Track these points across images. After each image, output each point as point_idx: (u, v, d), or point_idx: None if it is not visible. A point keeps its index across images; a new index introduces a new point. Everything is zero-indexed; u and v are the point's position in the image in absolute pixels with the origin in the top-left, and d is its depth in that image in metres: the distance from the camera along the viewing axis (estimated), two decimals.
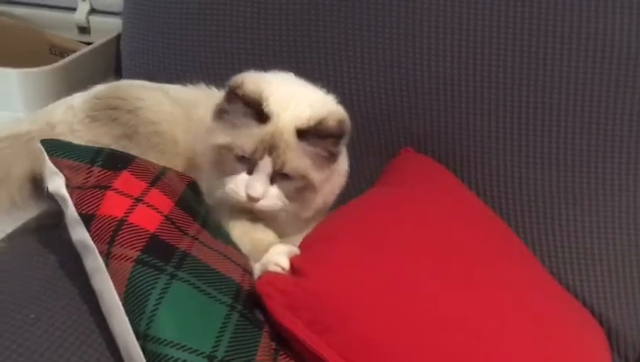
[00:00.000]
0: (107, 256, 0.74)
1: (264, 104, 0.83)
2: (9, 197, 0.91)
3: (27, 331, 0.74)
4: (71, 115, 0.95)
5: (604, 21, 1.04)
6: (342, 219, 0.90)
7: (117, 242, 0.74)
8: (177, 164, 0.94)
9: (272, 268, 0.81)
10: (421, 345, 0.78)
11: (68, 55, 1.29)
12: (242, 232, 0.89)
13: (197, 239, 0.81)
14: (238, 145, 0.84)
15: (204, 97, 0.99)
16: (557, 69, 1.06)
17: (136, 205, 0.78)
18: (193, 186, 0.91)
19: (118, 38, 1.28)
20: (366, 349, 0.77)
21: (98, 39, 1.33)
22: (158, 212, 0.80)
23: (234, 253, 0.85)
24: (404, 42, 1.09)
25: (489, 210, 1.08)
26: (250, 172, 0.84)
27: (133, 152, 0.89)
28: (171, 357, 0.68)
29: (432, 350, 0.78)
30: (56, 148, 0.83)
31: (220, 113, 0.86)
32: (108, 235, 0.75)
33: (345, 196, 0.97)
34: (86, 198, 0.78)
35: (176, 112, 0.97)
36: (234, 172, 0.85)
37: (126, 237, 0.75)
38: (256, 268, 0.83)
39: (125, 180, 0.81)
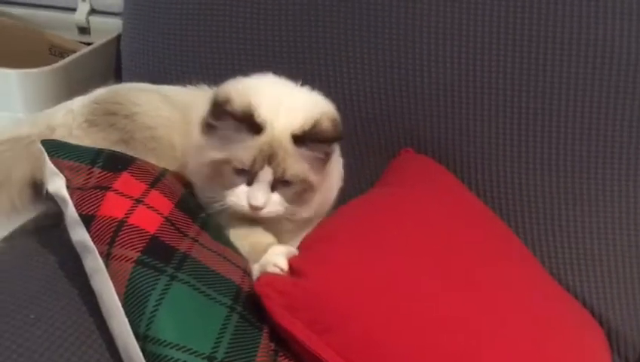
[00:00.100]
0: (107, 257, 0.74)
1: (255, 114, 0.82)
2: (9, 201, 0.91)
3: (27, 331, 0.74)
4: (70, 119, 0.95)
5: (603, 27, 1.04)
6: (342, 220, 0.90)
7: (117, 243, 0.74)
8: (175, 168, 0.93)
9: (271, 268, 0.81)
10: (421, 345, 0.78)
11: (68, 55, 1.28)
12: (241, 234, 0.88)
13: (197, 241, 0.81)
14: (236, 159, 0.82)
15: (201, 99, 0.98)
16: (557, 74, 1.06)
17: (136, 206, 0.78)
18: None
19: (118, 38, 1.28)
20: (366, 350, 0.77)
21: (98, 40, 1.33)
22: (158, 213, 0.80)
23: (234, 255, 0.85)
24: (404, 43, 1.09)
25: (489, 210, 1.08)
26: (249, 182, 0.84)
27: None
28: (171, 358, 0.69)
29: (432, 350, 0.78)
30: (57, 149, 0.83)
31: (209, 128, 0.84)
32: (108, 236, 0.75)
33: (345, 196, 0.97)
34: (86, 199, 0.78)
35: (174, 116, 0.97)
36: (233, 185, 0.84)
37: (126, 238, 0.75)
38: (255, 269, 0.83)
39: (125, 181, 0.81)
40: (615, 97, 1.05)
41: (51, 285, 0.82)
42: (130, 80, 1.18)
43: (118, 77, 1.26)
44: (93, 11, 1.39)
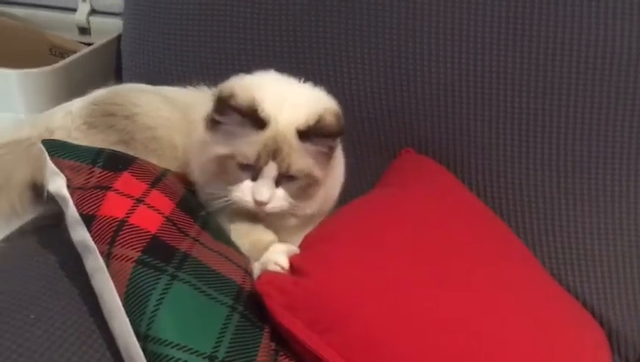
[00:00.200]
0: (108, 257, 0.74)
1: (259, 110, 0.82)
2: (9, 204, 0.90)
3: (27, 331, 0.74)
4: (69, 121, 0.95)
5: (604, 27, 1.04)
6: (343, 219, 0.90)
7: (118, 242, 0.74)
8: (176, 168, 0.93)
9: (272, 267, 0.81)
10: (422, 345, 0.78)
11: (68, 56, 1.28)
12: (242, 233, 0.88)
13: (198, 240, 0.81)
14: (241, 154, 0.82)
15: (200, 100, 0.98)
16: (557, 74, 1.06)
17: (137, 206, 0.78)
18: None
19: (118, 38, 1.28)
20: (366, 349, 0.77)
21: (98, 40, 1.33)
22: (159, 213, 0.80)
23: (235, 255, 0.85)
24: (405, 43, 1.09)
25: (489, 210, 1.08)
26: (254, 178, 0.84)
27: None
28: (172, 358, 0.68)
29: (432, 350, 0.78)
30: (58, 149, 0.83)
31: (213, 124, 0.84)
32: (109, 236, 0.75)
33: (346, 196, 0.97)
34: (87, 199, 0.78)
35: (175, 117, 0.97)
36: (238, 180, 0.84)
37: (127, 238, 0.75)
38: (256, 268, 0.83)
39: (126, 181, 0.81)
40: (616, 97, 1.06)
41: (51, 285, 0.82)
42: (131, 80, 1.18)
43: (118, 77, 1.26)
44: (93, 12, 1.39)
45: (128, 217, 0.77)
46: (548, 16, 1.05)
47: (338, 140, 0.87)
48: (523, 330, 0.85)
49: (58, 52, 1.39)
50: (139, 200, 0.79)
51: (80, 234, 0.77)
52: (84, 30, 1.41)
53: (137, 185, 0.81)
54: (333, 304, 0.78)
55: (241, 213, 0.87)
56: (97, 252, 0.75)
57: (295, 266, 0.80)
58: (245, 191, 0.83)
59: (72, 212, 0.78)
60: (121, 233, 0.75)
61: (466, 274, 0.87)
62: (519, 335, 0.84)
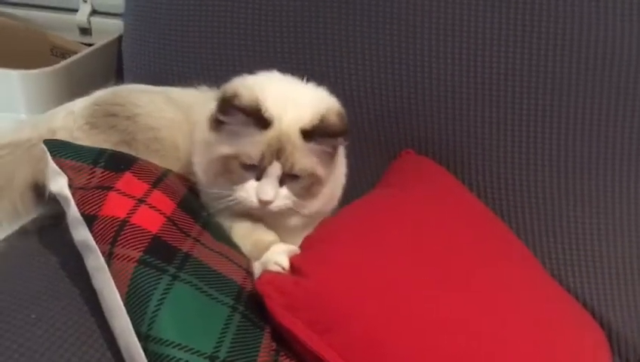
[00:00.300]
0: (109, 257, 0.74)
1: (263, 110, 0.82)
2: (11, 205, 0.91)
3: (28, 331, 0.74)
4: (71, 121, 0.95)
5: (604, 27, 1.05)
6: (343, 220, 0.90)
7: (119, 242, 0.74)
8: (178, 169, 0.93)
9: (272, 267, 0.81)
10: (422, 346, 0.78)
11: (69, 56, 1.29)
12: (243, 233, 0.89)
13: (199, 241, 0.82)
14: (245, 154, 0.82)
15: (202, 100, 0.98)
16: (558, 74, 1.06)
17: (138, 206, 0.78)
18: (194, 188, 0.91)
19: (119, 39, 1.28)
20: (367, 350, 0.77)
21: (99, 40, 1.34)
22: (160, 213, 0.80)
23: (236, 255, 0.85)
24: (406, 43, 1.09)
25: (490, 211, 1.08)
26: (258, 177, 0.84)
27: None
28: (173, 358, 0.69)
29: (433, 351, 0.78)
30: (59, 149, 0.83)
31: (217, 124, 0.84)
32: (110, 236, 0.75)
33: (346, 197, 0.97)
34: (88, 199, 0.78)
35: (177, 117, 0.97)
36: (242, 180, 0.84)
37: (128, 238, 0.75)
38: (256, 267, 0.84)
39: (128, 181, 0.81)
40: (619, 98, 1.06)
41: (52, 285, 0.82)
42: (132, 81, 1.18)
43: (119, 77, 1.26)
44: (94, 12, 1.40)
45: (130, 217, 0.77)
46: (548, 19, 1.05)
47: (342, 139, 0.88)
48: (523, 331, 0.85)
49: (59, 52, 1.39)
50: (140, 201, 0.79)
51: (81, 234, 0.77)
52: (85, 31, 1.41)
53: (139, 186, 0.81)
54: (334, 304, 0.78)
55: (243, 213, 0.88)
56: (99, 251, 0.75)
57: (295, 266, 0.80)
58: (250, 191, 0.84)
59: (73, 212, 0.78)
60: (123, 233, 0.75)
61: (466, 275, 0.87)
62: (519, 335, 0.84)
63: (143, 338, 0.70)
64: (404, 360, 0.77)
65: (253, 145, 0.82)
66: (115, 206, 0.77)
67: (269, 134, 0.82)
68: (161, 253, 0.75)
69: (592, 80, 1.06)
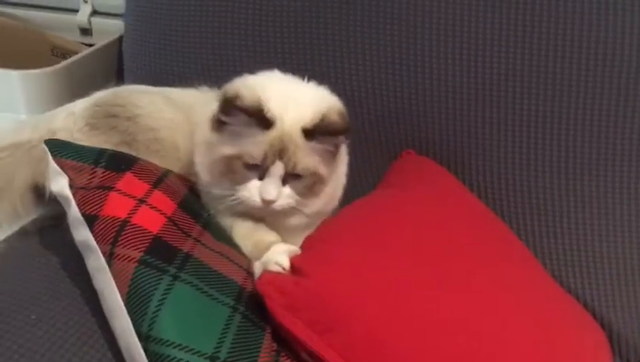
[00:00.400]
0: (110, 257, 0.74)
1: (265, 110, 0.82)
2: (11, 206, 0.91)
3: (28, 332, 0.74)
4: (71, 122, 0.95)
5: (604, 27, 1.04)
6: (344, 220, 0.90)
7: (120, 243, 0.74)
8: (179, 169, 0.93)
9: (273, 267, 0.81)
10: (422, 346, 0.78)
11: (70, 57, 1.29)
12: (244, 233, 0.89)
13: (199, 241, 0.82)
14: (248, 154, 0.83)
15: (202, 101, 0.98)
16: (559, 75, 1.06)
17: (139, 206, 0.78)
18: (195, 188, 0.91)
19: (120, 39, 1.28)
20: (367, 350, 0.77)
21: (100, 41, 1.34)
22: (161, 213, 0.80)
23: (236, 255, 0.85)
24: (407, 44, 1.09)
25: (490, 212, 1.08)
26: (261, 177, 0.84)
27: None
28: (174, 358, 0.69)
29: (433, 351, 0.78)
30: (60, 149, 0.83)
31: (219, 124, 0.84)
32: (111, 236, 0.75)
33: (347, 197, 0.97)
34: (89, 199, 0.78)
35: (177, 118, 0.97)
36: (245, 180, 0.84)
37: (129, 238, 0.75)
38: (257, 267, 0.84)
39: (128, 181, 0.81)
40: (619, 98, 1.05)
41: (53, 285, 0.82)
42: (132, 81, 1.18)
43: (120, 78, 1.26)
44: (95, 12, 1.40)
45: (130, 217, 0.77)
46: (549, 19, 1.05)
47: (343, 138, 0.88)
48: (524, 331, 0.85)
49: (60, 53, 1.39)
50: (141, 201, 0.79)
51: (82, 234, 0.77)
52: (85, 31, 1.41)
53: (140, 186, 0.81)
54: (334, 304, 0.78)
55: (245, 213, 0.88)
56: (99, 252, 0.75)
57: (296, 266, 0.80)
58: (253, 191, 0.84)
59: (74, 212, 0.78)
60: (124, 233, 0.75)
61: (467, 275, 0.87)
62: (520, 336, 0.84)
63: (144, 338, 0.70)
64: (405, 361, 0.77)
65: (255, 145, 0.82)
66: (116, 206, 0.78)
67: (272, 134, 0.83)
68: (161, 253, 0.75)
69: (592, 80, 1.06)
